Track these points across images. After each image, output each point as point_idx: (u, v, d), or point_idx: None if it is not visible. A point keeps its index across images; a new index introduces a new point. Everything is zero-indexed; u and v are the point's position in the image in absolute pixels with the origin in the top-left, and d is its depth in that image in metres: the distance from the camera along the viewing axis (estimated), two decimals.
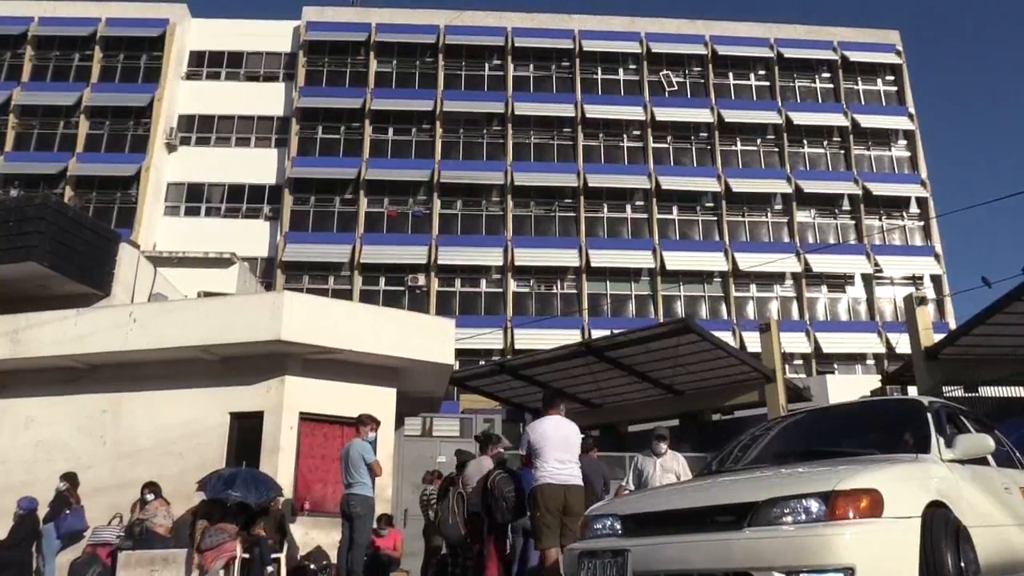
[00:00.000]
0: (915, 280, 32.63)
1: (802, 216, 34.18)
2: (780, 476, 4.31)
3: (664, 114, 34.75)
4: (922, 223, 34.33)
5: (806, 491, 3.76)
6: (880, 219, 34.44)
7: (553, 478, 6.49)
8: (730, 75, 36.41)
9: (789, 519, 3.70)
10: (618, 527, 4.41)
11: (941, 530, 3.85)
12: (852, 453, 4.65)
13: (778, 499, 3.77)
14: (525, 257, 31.78)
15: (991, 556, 4.19)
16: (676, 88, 35.78)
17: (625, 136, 34.97)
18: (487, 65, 35.82)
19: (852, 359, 31.77)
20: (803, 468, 4.38)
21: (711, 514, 3.97)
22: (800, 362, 30.91)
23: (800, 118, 35.04)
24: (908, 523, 3.73)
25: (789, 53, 36.17)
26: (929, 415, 4.82)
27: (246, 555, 9.54)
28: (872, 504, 3.65)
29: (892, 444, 4.71)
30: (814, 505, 3.68)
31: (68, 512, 10.49)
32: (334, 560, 9.84)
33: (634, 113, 34.83)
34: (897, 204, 34.65)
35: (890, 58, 36.73)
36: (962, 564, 3.89)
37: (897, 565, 3.63)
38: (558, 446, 6.62)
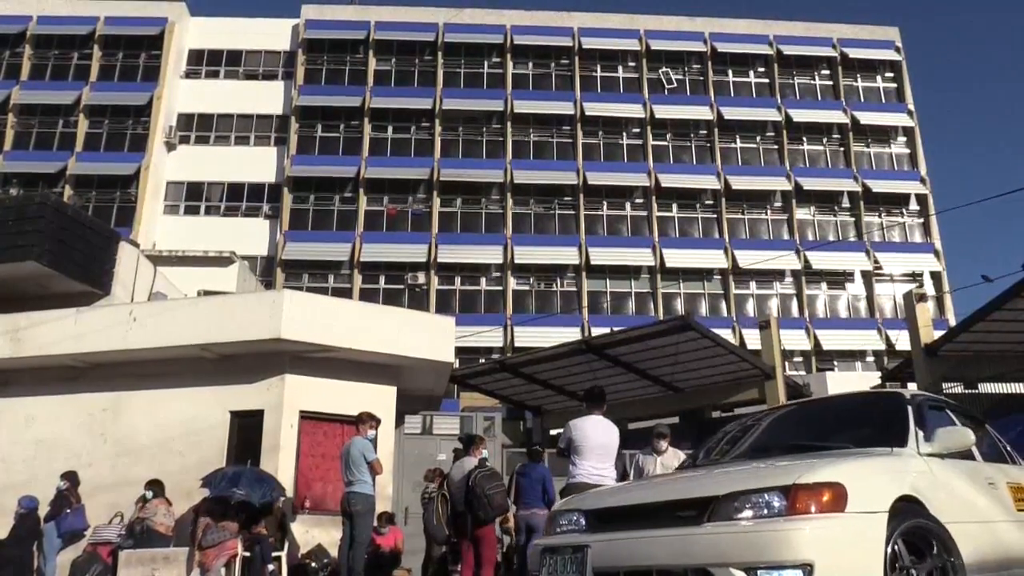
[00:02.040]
0: (915, 277, 32.64)
1: (802, 213, 34.18)
2: (745, 470, 4.24)
3: (663, 111, 34.74)
4: (922, 220, 34.34)
5: (766, 485, 3.68)
6: (880, 216, 34.45)
7: (588, 478, 6.56)
8: (729, 72, 36.41)
9: (748, 514, 3.61)
10: (583, 522, 4.35)
11: (908, 525, 3.74)
12: (828, 447, 4.54)
13: (738, 493, 3.69)
14: (525, 255, 31.79)
15: (972, 552, 4.06)
16: (675, 85, 35.78)
17: (624, 134, 34.96)
18: (486, 63, 35.81)
19: (852, 356, 31.78)
20: (771, 462, 4.32)
21: (673, 509, 3.89)
22: (800, 359, 30.92)
23: (799, 115, 35.04)
24: (873, 518, 3.61)
25: (788, 50, 36.16)
26: (909, 408, 4.73)
27: (247, 553, 9.55)
28: (834, 498, 3.54)
29: (872, 437, 4.60)
30: (774, 499, 3.59)
31: (69, 511, 10.50)
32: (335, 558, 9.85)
33: (633, 111, 34.82)
34: (897, 201, 34.66)
35: (889, 55, 36.72)
36: (935, 560, 3.78)
37: (859, 561, 3.52)
38: (596, 451, 6.72)
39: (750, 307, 32.48)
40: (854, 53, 36.26)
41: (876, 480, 3.86)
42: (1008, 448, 5.58)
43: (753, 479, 3.83)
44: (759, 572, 3.44)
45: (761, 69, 36.63)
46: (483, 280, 32.07)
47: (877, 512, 3.63)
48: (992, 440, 5.48)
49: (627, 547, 3.91)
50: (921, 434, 4.46)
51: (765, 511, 3.58)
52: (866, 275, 33.11)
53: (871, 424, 4.85)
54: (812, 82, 36.74)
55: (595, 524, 4.26)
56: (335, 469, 9.93)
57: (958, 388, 15.34)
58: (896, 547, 3.63)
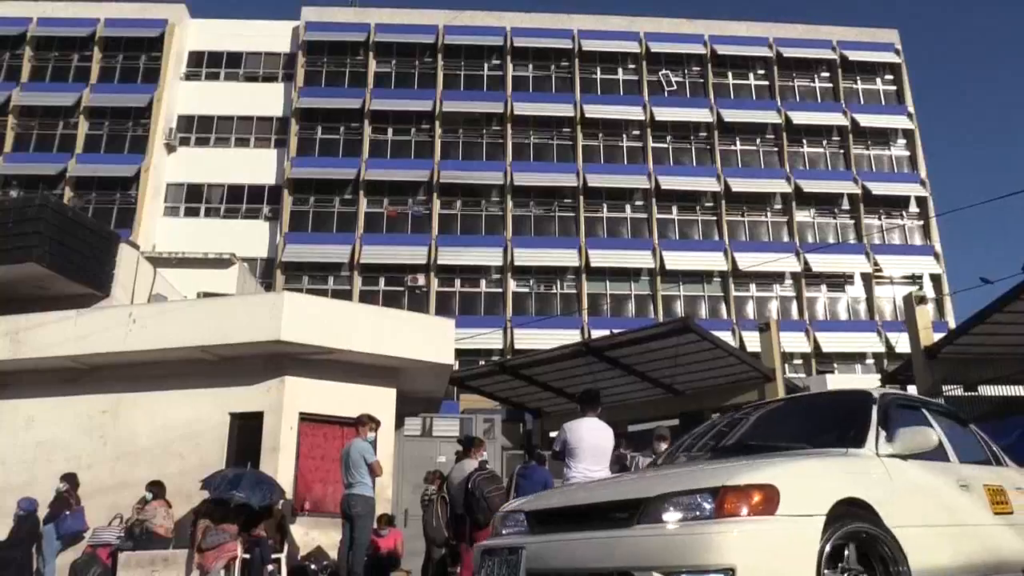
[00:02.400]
0: (914, 279, 32.64)
1: (801, 216, 34.20)
2: (685, 471, 4.18)
3: (663, 114, 34.76)
4: (921, 222, 34.36)
5: (695, 487, 3.60)
6: (879, 218, 34.46)
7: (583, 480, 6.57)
8: (729, 75, 36.44)
9: (676, 516, 3.53)
10: (525, 524, 4.29)
11: (849, 530, 3.62)
12: (784, 447, 4.44)
13: (668, 495, 3.61)
14: (525, 257, 31.79)
15: (929, 557, 3.96)
16: (675, 88, 35.80)
17: (624, 136, 34.98)
18: (486, 65, 35.84)
19: (852, 358, 31.78)
20: (718, 463, 4.26)
21: (608, 511, 3.81)
22: (800, 362, 30.92)
23: (799, 117, 35.07)
24: (807, 521, 3.49)
25: (788, 52, 36.20)
26: (874, 408, 4.58)
27: (247, 555, 9.55)
28: (764, 501, 3.44)
29: (832, 437, 4.49)
30: (702, 502, 3.51)
31: (68, 513, 10.49)
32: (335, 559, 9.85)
33: (633, 113, 34.84)
34: (896, 203, 34.67)
35: (889, 57, 36.75)
36: (879, 566, 3.67)
37: (788, 565, 3.40)
38: (590, 453, 6.70)
39: (750, 309, 32.49)
40: (854, 55, 36.30)
41: (814, 482, 3.74)
42: (995, 449, 5.50)
43: (685, 481, 3.76)
44: None
45: (761, 71, 36.66)
46: (483, 282, 32.08)
47: (812, 515, 3.51)
48: (976, 440, 5.41)
49: (559, 549, 3.85)
50: (883, 435, 4.34)
51: (693, 513, 3.50)
52: (866, 277, 33.12)
53: (835, 424, 4.75)
54: (812, 84, 36.77)
55: (535, 526, 4.20)
56: (335, 471, 9.93)
57: (958, 390, 15.33)
58: (834, 551, 3.53)
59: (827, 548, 3.50)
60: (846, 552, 3.58)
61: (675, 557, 3.40)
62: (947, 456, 4.77)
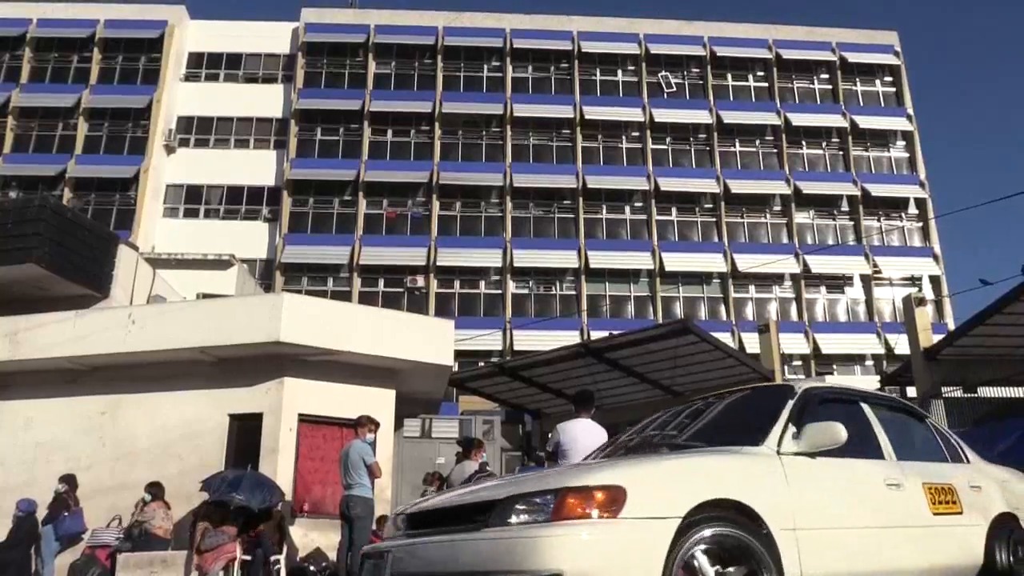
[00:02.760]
0: (914, 281, 32.67)
1: (801, 217, 34.21)
2: (552, 473, 4.07)
3: (663, 115, 34.78)
4: (921, 224, 34.38)
5: (540, 488, 3.50)
6: (879, 220, 34.48)
7: None
8: (729, 76, 36.45)
9: (519, 519, 3.43)
10: (403, 526, 4.23)
11: (711, 534, 3.44)
12: (682, 445, 4.32)
13: (514, 497, 3.53)
14: (524, 258, 31.80)
15: (831, 562, 3.80)
16: (675, 89, 35.82)
17: (624, 137, 34.99)
18: (486, 66, 35.86)
19: (851, 360, 31.78)
20: (599, 463, 4.19)
21: (469, 513, 3.70)
22: (799, 363, 30.92)
23: (799, 119, 35.08)
24: (657, 524, 3.32)
25: (788, 54, 36.22)
26: (789, 403, 4.34)
27: (247, 556, 9.54)
28: (607, 502, 3.30)
29: (737, 434, 4.29)
30: (543, 504, 3.39)
31: (67, 514, 10.48)
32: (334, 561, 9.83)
33: (633, 114, 34.85)
34: (896, 205, 34.69)
35: (889, 59, 36.78)
36: (742, 572, 3.50)
37: (627, 571, 3.24)
38: (584, 454, 6.60)
39: (749, 311, 32.49)
40: (853, 57, 36.31)
41: (671, 483, 3.56)
42: (959, 445, 5.35)
43: (535, 483, 3.69)
44: None
45: (760, 73, 36.69)
46: (482, 283, 32.08)
47: (665, 518, 3.35)
48: (932, 436, 5.27)
49: (417, 552, 3.80)
50: (792, 431, 4.14)
51: (534, 516, 3.39)
52: (865, 279, 33.13)
53: (747, 420, 4.52)
54: (811, 86, 36.79)
55: (408, 528, 4.15)
56: (334, 472, 9.92)
57: (957, 392, 15.35)
58: (694, 557, 3.39)
59: (685, 553, 3.35)
60: (697, 559, 3.41)
61: (508, 561, 3.29)
62: (881, 453, 4.61)
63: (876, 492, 4.33)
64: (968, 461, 5.29)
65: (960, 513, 4.71)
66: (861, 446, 4.51)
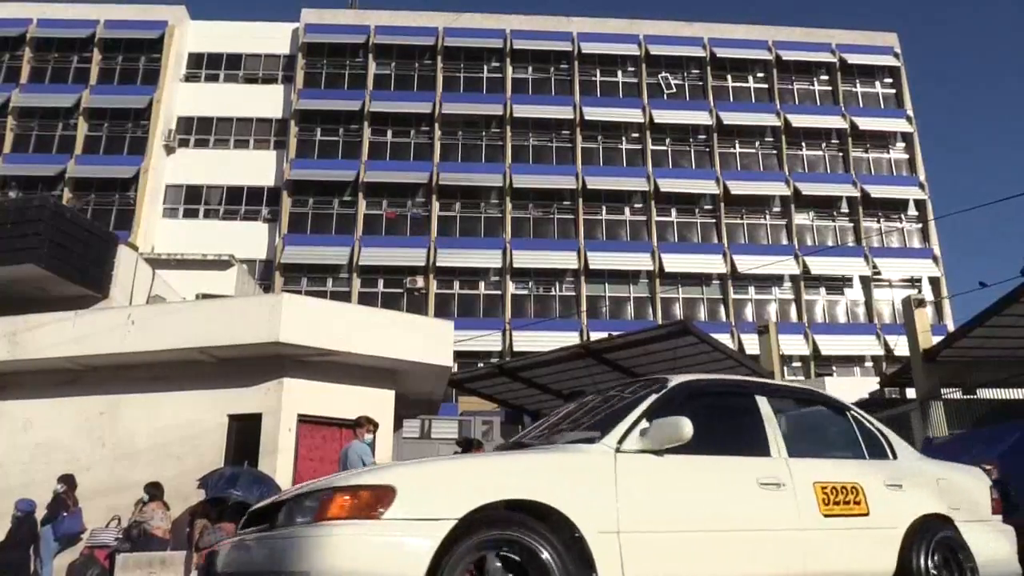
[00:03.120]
0: (913, 282, 32.69)
1: (800, 218, 34.23)
2: (350, 473, 4.04)
3: (662, 116, 34.79)
4: (920, 225, 34.39)
5: (317, 488, 3.46)
6: (878, 221, 34.50)
7: None
8: (728, 77, 36.47)
9: (296, 518, 3.38)
10: (245, 523, 4.17)
11: (490, 537, 3.30)
12: (538, 445, 4.22)
13: (297, 496, 3.51)
14: (524, 259, 31.80)
15: (666, 569, 3.64)
16: (675, 90, 35.84)
17: (624, 138, 35.01)
18: (486, 67, 35.87)
19: (850, 361, 31.79)
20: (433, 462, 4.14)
21: (274, 512, 3.64)
22: (799, 364, 30.93)
23: (798, 120, 35.10)
24: (427, 526, 3.20)
25: (787, 55, 36.24)
26: (653, 396, 4.17)
27: None
28: (374, 503, 3.21)
29: (585, 430, 4.18)
30: (312, 503, 3.35)
31: (65, 514, 10.47)
32: None
33: (632, 115, 34.87)
34: (895, 206, 34.71)
35: (888, 60, 36.81)
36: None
37: (383, 572, 3.14)
38: None
39: (749, 312, 32.50)
40: (853, 59, 36.34)
41: (452, 484, 3.43)
42: (886, 439, 4.95)
43: (320, 482, 3.67)
44: None
45: (760, 74, 36.71)
46: (482, 284, 32.08)
47: (437, 519, 3.23)
48: (851, 429, 4.89)
49: (233, 550, 3.77)
50: (643, 427, 3.92)
51: (306, 517, 3.33)
52: (865, 280, 33.15)
53: (608, 415, 4.31)
54: (811, 87, 36.81)
55: (245, 525, 4.08)
56: (333, 473, 9.91)
57: (957, 393, 15.36)
58: (486, 561, 3.27)
59: (468, 557, 3.25)
60: (488, 563, 3.29)
61: (270, 562, 3.28)
62: (766, 450, 4.31)
63: (742, 492, 4.06)
64: (894, 457, 4.90)
65: (865, 515, 4.36)
66: (740, 442, 4.33)
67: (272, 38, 35.79)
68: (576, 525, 3.44)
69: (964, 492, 4.97)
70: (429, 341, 12.50)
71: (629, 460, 3.78)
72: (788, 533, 4.08)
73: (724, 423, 4.46)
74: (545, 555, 3.33)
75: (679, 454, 3.88)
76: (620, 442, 3.85)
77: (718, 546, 3.87)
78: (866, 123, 35.29)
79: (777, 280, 32.86)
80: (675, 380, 4.40)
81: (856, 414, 5.01)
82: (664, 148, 35.01)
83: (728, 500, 4.02)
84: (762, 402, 4.54)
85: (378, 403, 11.63)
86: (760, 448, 4.32)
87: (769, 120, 35.26)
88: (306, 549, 3.17)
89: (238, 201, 33.31)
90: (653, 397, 4.16)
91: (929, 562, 4.44)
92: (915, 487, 4.71)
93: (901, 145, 36.06)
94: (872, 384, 22.66)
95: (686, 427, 3.77)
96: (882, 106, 36.58)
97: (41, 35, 34.64)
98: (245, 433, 11.35)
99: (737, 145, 35.30)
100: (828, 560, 4.14)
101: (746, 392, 4.66)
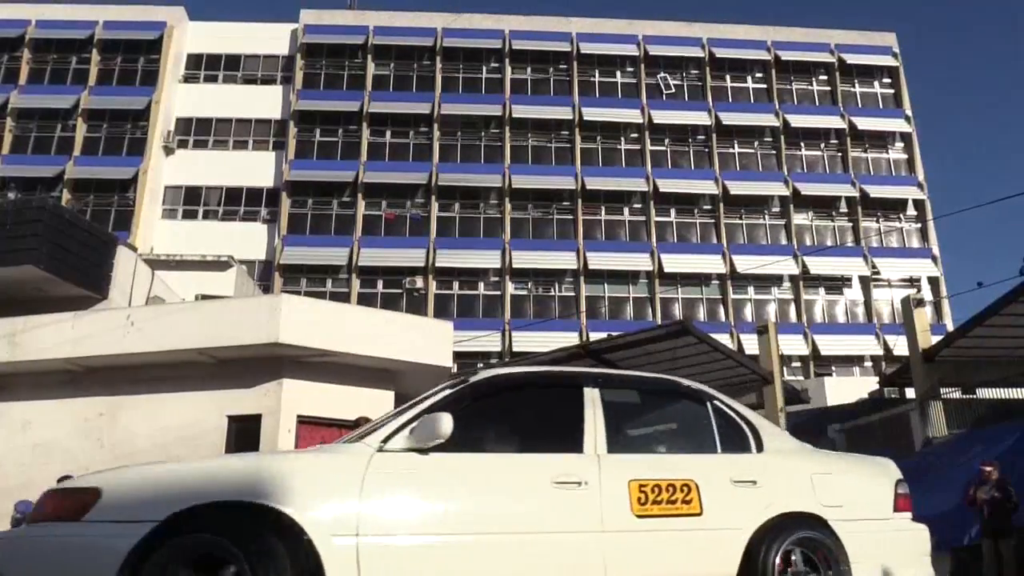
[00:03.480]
0: (912, 282, 32.69)
1: (799, 218, 34.24)
2: None
3: (661, 117, 34.80)
4: (919, 225, 34.41)
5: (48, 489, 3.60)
6: (877, 221, 34.52)
7: None
8: (727, 78, 36.48)
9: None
10: None
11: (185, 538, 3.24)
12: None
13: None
14: (523, 260, 31.80)
15: (423, 570, 3.50)
16: (673, 91, 35.84)
17: (623, 139, 35.02)
18: (485, 68, 35.87)
19: (850, 361, 31.81)
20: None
21: None
22: (798, 364, 30.95)
23: (797, 120, 35.12)
24: (123, 528, 3.21)
25: (786, 56, 36.25)
26: (446, 391, 3.98)
27: None
28: (75, 506, 3.28)
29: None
30: (40, 506, 3.50)
31: None
32: None
33: (632, 116, 34.88)
34: (894, 206, 34.73)
35: (887, 60, 36.82)
36: None
37: (71, 572, 3.20)
38: None
39: (748, 312, 32.51)
40: (852, 59, 36.35)
41: (160, 487, 3.39)
42: (758, 430, 4.54)
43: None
44: None
45: (759, 74, 36.72)
46: (481, 285, 32.08)
47: (136, 522, 3.21)
48: (707, 422, 4.49)
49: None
50: (412, 426, 3.72)
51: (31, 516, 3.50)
52: (864, 280, 33.16)
53: (396, 413, 4.20)
54: (810, 87, 36.83)
55: None
56: None
57: (956, 393, 15.37)
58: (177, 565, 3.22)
59: (169, 559, 3.20)
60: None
61: None
62: (579, 446, 4.02)
63: (527, 492, 3.79)
64: (759, 450, 4.45)
65: (697, 514, 4.00)
66: (547, 438, 4.11)
67: (271, 39, 35.78)
68: (304, 529, 3.29)
69: (849, 488, 4.48)
70: (429, 341, 12.49)
71: (387, 460, 3.59)
72: (585, 536, 3.80)
73: (537, 418, 4.26)
74: (241, 558, 3.21)
75: (450, 452, 3.66)
76: (385, 441, 3.67)
77: (488, 551, 3.63)
78: (865, 123, 35.31)
79: (776, 280, 32.87)
80: (481, 374, 4.18)
81: (720, 405, 4.59)
82: (663, 148, 35.02)
83: (505, 501, 3.77)
84: (591, 394, 4.21)
85: (378, 404, 11.61)
86: (571, 444, 4.03)
87: (768, 120, 35.27)
88: (13, 550, 3.33)
89: (237, 202, 33.30)
90: (445, 393, 3.96)
91: (773, 565, 4.02)
92: (774, 483, 4.28)
93: (900, 145, 36.08)
94: (871, 384, 22.69)
95: (445, 424, 3.58)
96: (881, 106, 36.60)
97: (40, 36, 34.62)
98: (244, 434, 11.33)
99: (736, 145, 35.32)
100: (640, 565, 3.86)
101: (572, 384, 4.34)
